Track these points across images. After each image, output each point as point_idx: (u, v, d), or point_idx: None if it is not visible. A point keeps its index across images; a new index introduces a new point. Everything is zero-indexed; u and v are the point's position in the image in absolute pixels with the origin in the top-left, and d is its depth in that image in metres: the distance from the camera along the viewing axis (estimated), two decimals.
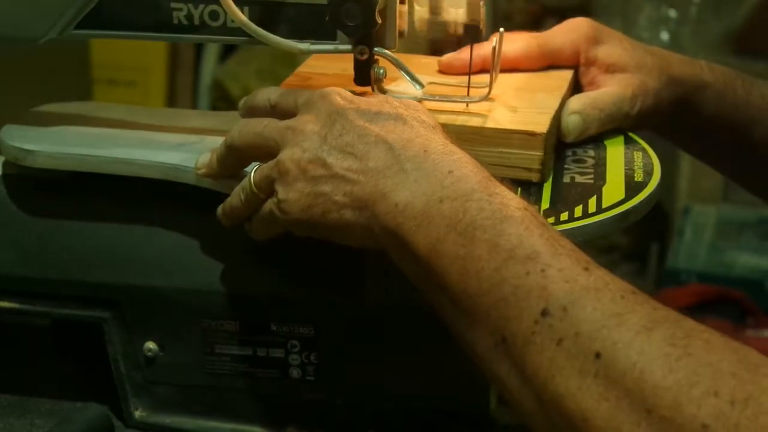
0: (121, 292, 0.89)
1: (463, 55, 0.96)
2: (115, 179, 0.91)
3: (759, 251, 2.28)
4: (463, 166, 0.74)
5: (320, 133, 0.78)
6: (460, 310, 0.70)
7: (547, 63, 0.97)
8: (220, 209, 0.85)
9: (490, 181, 0.73)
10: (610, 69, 0.95)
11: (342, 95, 0.80)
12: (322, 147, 0.77)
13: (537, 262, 0.68)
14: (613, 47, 0.96)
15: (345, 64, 0.91)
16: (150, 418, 0.91)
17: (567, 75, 0.96)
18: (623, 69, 0.95)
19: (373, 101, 0.80)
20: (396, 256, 0.75)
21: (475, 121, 0.86)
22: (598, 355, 0.63)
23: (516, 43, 0.95)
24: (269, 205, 0.80)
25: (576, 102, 0.92)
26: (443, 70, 0.96)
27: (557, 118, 0.90)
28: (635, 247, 2.47)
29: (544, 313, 0.66)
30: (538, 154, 0.85)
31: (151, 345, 0.90)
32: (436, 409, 0.89)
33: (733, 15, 2.46)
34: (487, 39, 0.93)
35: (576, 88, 0.97)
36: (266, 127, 0.81)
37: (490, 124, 0.86)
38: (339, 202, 0.76)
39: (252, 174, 0.82)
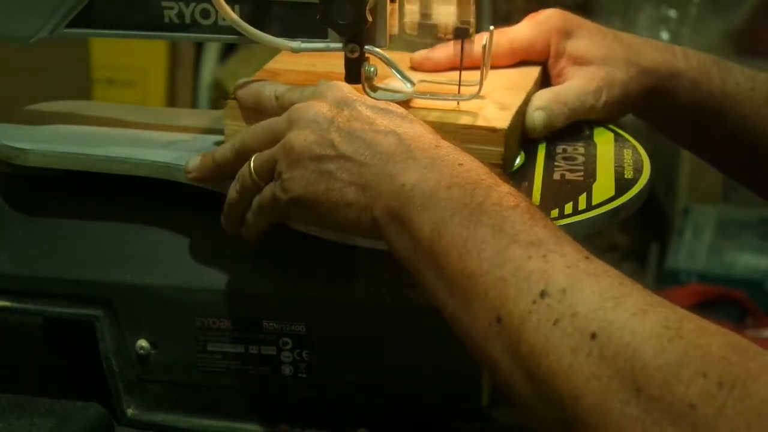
0: (113, 290, 0.89)
1: (435, 53, 0.96)
2: (107, 178, 0.91)
3: (759, 251, 2.27)
4: (471, 161, 0.75)
5: (327, 115, 0.79)
6: (456, 290, 0.70)
7: (519, 59, 0.98)
8: (222, 216, 0.86)
9: (497, 176, 0.74)
10: (578, 61, 0.96)
11: (349, 88, 0.81)
12: (329, 128, 0.78)
13: (540, 247, 0.68)
14: (581, 39, 0.96)
15: (314, 60, 0.91)
16: (142, 416, 0.91)
17: (534, 72, 0.96)
18: (590, 62, 0.96)
19: (378, 100, 0.81)
20: (392, 238, 0.75)
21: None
22: (593, 336, 0.63)
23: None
24: (270, 188, 0.81)
25: (540, 98, 0.92)
26: (415, 67, 0.96)
27: (521, 114, 0.90)
28: (635, 247, 2.46)
29: (543, 294, 0.66)
30: (499, 149, 0.85)
31: (143, 343, 0.90)
32: (428, 406, 0.89)
33: (733, 15, 2.46)
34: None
35: (545, 79, 0.97)
36: (274, 119, 0.82)
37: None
38: (343, 179, 0.77)
39: (252, 161, 0.82)
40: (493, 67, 0.94)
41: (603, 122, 0.96)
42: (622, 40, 0.98)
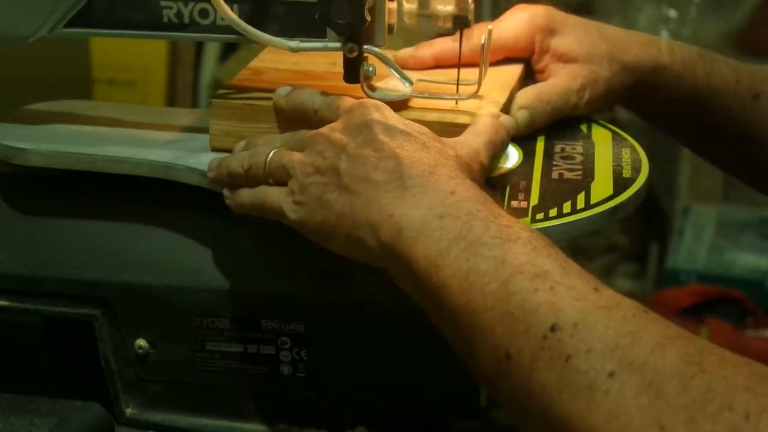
0: (112, 289, 0.90)
1: (419, 52, 0.97)
2: (107, 177, 0.91)
3: (759, 251, 2.27)
4: (466, 190, 0.74)
5: (342, 142, 0.78)
6: (461, 325, 0.69)
7: (504, 56, 0.98)
8: (215, 161, 0.85)
9: (494, 206, 0.73)
10: (562, 59, 0.97)
11: (378, 108, 0.81)
12: (340, 156, 0.77)
13: (546, 279, 0.67)
14: (566, 37, 0.97)
15: (297, 58, 0.92)
16: (141, 415, 0.92)
17: (517, 70, 0.97)
18: (574, 59, 0.96)
19: (408, 122, 0.80)
20: (393, 270, 0.75)
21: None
22: (611, 374, 0.62)
23: (471, 39, 0.94)
24: (279, 197, 0.80)
25: (523, 97, 0.93)
26: (400, 65, 0.96)
27: (505, 112, 0.91)
28: (635, 247, 2.46)
29: (554, 328, 0.65)
30: None
31: (142, 342, 0.90)
32: (427, 406, 0.89)
33: (733, 15, 2.46)
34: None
35: (528, 73, 0.98)
36: (296, 137, 0.83)
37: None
38: (336, 211, 0.77)
39: (270, 157, 0.82)
40: (475, 65, 0.94)
41: (599, 120, 0.97)
42: (606, 36, 0.98)
